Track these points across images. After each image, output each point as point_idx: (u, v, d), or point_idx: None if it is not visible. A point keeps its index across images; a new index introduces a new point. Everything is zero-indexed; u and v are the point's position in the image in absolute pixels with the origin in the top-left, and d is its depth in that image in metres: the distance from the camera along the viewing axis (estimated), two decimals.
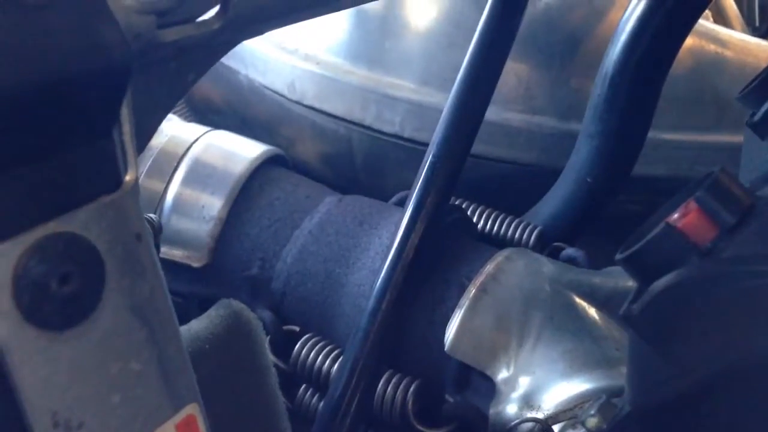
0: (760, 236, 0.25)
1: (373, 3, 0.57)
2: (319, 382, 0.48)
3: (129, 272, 0.24)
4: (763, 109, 0.45)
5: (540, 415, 0.40)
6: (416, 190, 0.47)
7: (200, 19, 0.28)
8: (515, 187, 0.68)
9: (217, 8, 0.28)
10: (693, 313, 0.25)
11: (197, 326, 0.31)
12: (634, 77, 0.53)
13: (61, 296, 0.22)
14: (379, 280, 0.47)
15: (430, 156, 0.49)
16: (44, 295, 0.21)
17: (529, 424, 0.40)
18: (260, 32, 0.33)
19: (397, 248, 0.47)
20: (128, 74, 0.22)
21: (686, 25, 0.52)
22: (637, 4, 0.52)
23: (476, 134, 0.51)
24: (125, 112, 0.24)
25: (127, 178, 0.24)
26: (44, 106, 0.21)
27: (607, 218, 0.63)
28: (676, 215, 0.27)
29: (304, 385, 0.50)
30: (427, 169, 0.48)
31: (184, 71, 0.30)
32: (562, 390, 0.41)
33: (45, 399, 0.22)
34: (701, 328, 0.25)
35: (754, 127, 0.45)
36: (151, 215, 0.39)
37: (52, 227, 0.22)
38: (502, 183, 0.68)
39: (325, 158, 0.74)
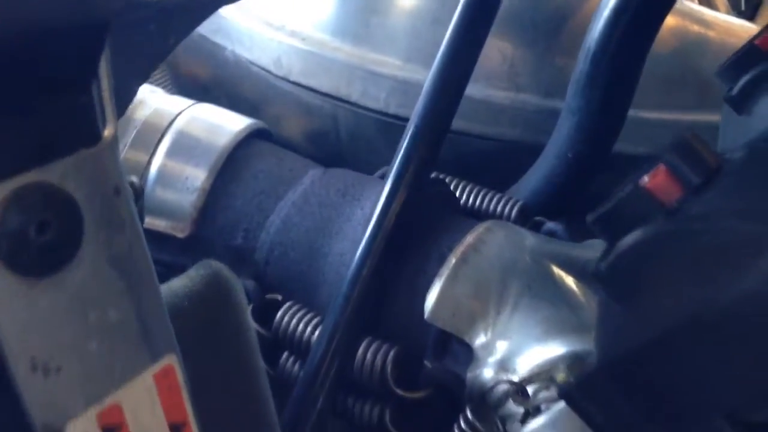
0: (723, 195, 0.25)
1: None
2: (301, 348, 0.49)
3: (107, 225, 0.25)
4: (740, 84, 0.45)
5: (515, 378, 0.41)
6: (398, 160, 0.48)
7: None
8: (499, 163, 0.69)
9: None
10: (658, 268, 0.26)
11: (177, 284, 0.32)
12: (616, 53, 0.54)
13: (39, 244, 0.22)
14: (360, 248, 0.47)
15: (412, 127, 0.49)
16: (22, 243, 0.22)
17: (504, 386, 0.41)
18: None
19: (378, 217, 0.47)
20: (107, 28, 0.23)
21: (667, 1, 0.53)
22: None
23: (457, 107, 0.51)
24: (104, 68, 0.24)
25: (106, 133, 0.25)
26: (22, 56, 0.21)
27: (589, 197, 0.64)
28: (645, 177, 0.28)
29: (286, 353, 0.50)
30: (409, 139, 0.49)
31: (164, 34, 0.30)
32: (537, 354, 0.42)
33: (24, 343, 0.23)
34: (665, 282, 0.26)
35: (731, 101, 0.46)
36: (133, 177, 0.39)
37: (30, 177, 0.22)
38: (486, 159, 0.69)
39: (310, 135, 0.75)
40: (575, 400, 0.29)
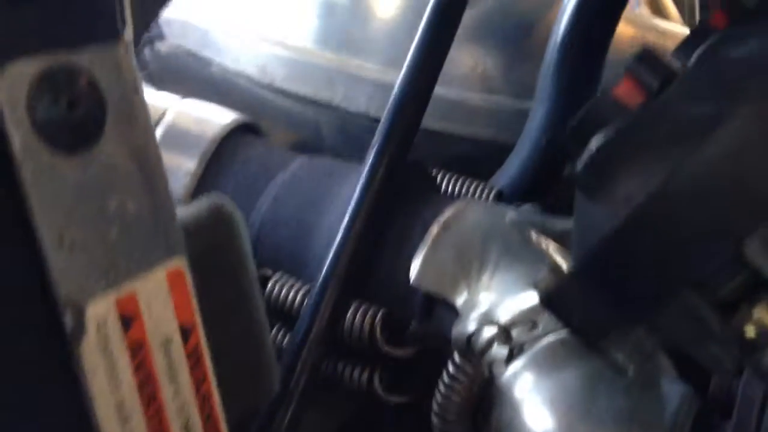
0: (679, 91, 0.29)
1: None
2: (292, 316, 0.50)
3: (127, 117, 0.27)
4: (693, 58, 0.50)
5: (499, 323, 0.43)
6: (380, 136, 0.51)
7: None
8: (475, 161, 0.72)
9: None
10: (623, 159, 0.29)
11: (181, 212, 0.34)
12: (582, 40, 0.58)
13: (69, 119, 0.25)
14: (346, 219, 0.50)
15: (392, 106, 0.52)
16: (55, 115, 0.24)
17: (489, 330, 0.43)
18: None
19: (361, 188, 0.50)
20: None
21: None
22: None
23: (432, 89, 0.55)
24: None
25: (125, 35, 0.27)
26: None
27: (559, 190, 0.67)
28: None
29: (277, 325, 0.52)
30: (390, 115, 0.52)
31: None
32: (518, 303, 0.44)
33: (53, 216, 0.25)
34: (631, 170, 0.28)
35: None
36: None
37: (62, 57, 0.25)
38: (461, 159, 0.72)
39: (295, 143, 0.77)
40: (553, 303, 0.32)
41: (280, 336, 0.52)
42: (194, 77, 0.81)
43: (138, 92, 0.27)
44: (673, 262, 0.28)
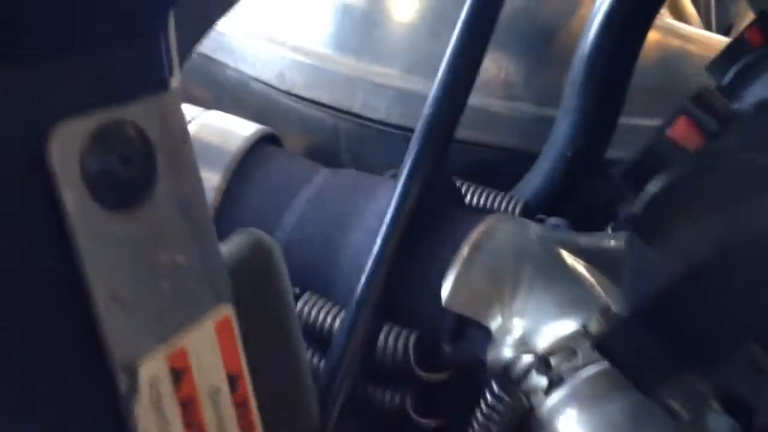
0: (740, 136, 0.28)
1: None
2: (322, 337, 0.50)
3: (176, 168, 0.26)
4: (729, 74, 0.49)
5: (536, 352, 0.43)
6: (412, 154, 0.50)
7: None
8: (497, 169, 0.71)
9: None
10: (684, 206, 0.28)
11: (222, 248, 0.33)
12: (610, 54, 0.57)
13: (122, 176, 0.24)
14: (378, 239, 0.49)
15: (424, 122, 0.51)
16: (107, 173, 0.23)
17: (527, 359, 0.42)
18: None
19: (394, 208, 0.49)
20: None
21: (654, 7, 0.57)
22: None
23: (465, 104, 0.54)
24: (171, 20, 0.26)
25: (174, 82, 0.26)
26: None
27: (580, 200, 0.66)
28: (666, 128, 0.30)
29: (308, 346, 0.51)
30: (422, 133, 0.51)
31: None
32: (555, 329, 0.44)
33: (105, 274, 0.24)
34: (692, 218, 0.28)
35: (722, 91, 0.49)
36: None
37: (114, 113, 0.24)
38: (484, 166, 0.72)
39: (312, 148, 0.77)
40: (608, 349, 0.31)
41: (308, 355, 0.51)
42: (210, 81, 0.80)
43: (186, 141, 0.27)
44: (735, 313, 0.27)
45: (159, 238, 0.26)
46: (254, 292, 0.34)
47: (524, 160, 0.70)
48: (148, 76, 0.25)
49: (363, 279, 0.47)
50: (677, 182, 0.28)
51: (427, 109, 0.53)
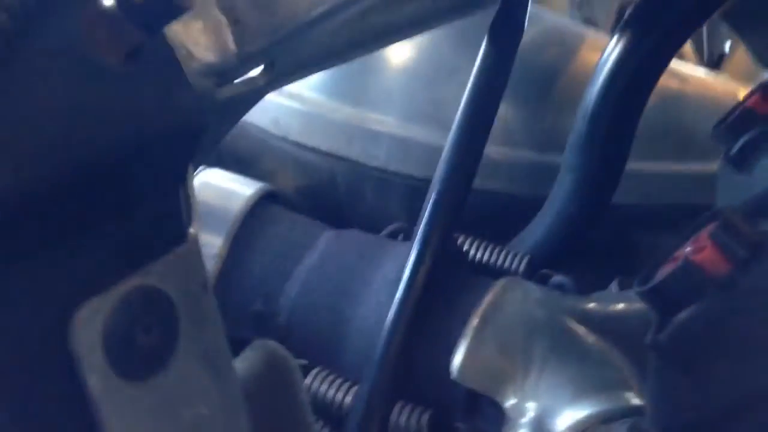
0: None
1: None
2: (332, 413, 0.49)
3: (198, 321, 0.25)
4: (739, 144, 0.48)
5: None
6: (422, 226, 0.49)
7: (248, 76, 0.29)
8: (497, 216, 0.71)
9: (262, 67, 0.30)
10: (717, 342, 0.27)
11: (237, 367, 0.32)
12: (613, 114, 0.57)
13: (145, 347, 0.23)
14: (391, 313, 0.48)
15: (434, 193, 0.51)
16: (131, 347, 0.23)
17: None
18: (294, 81, 0.35)
19: (406, 282, 0.48)
20: (202, 134, 0.24)
21: (660, 67, 0.56)
22: (614, 47, 0.56)
23: (476, 171, 0.53)
24: (190, 172, 0.25)
25: (191, 231, 0.26)
26: (128, 165, 0.22)
27: (582, 252, 0.66)
28: (690, 249, 0.30)
29: (318, 421, 0.51)
30: (432, 205, 0.50)
31: (222, 122, 0.31)
32: (571, 414, 0.43)
33: None
34: (727, 356, 0.27)
35: (731, 161, 0.48)
36: None
37: (134, 281, 0.23)
38: (483, 212, 0.71)
39: (309, 193, 0.76)
40: None
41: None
42: None
43: (207, 290, 0.26)
44: None
45: (182, 396, 0.25)
46: (272, 410, 0.34)
47: (524, 205, 0.69)
48: (168, 232, 0.24)
49: (375, 356, 0.47)
50: (706, 317, 0.28)
51: (439, 172, 0.52)
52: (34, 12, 0.19)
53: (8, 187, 0.19)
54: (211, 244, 0.56)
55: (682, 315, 0.28)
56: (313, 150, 0.71)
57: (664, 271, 0.30)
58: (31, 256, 0.20)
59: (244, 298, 0.54)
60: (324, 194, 0.75)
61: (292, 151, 0.73)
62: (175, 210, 0.25)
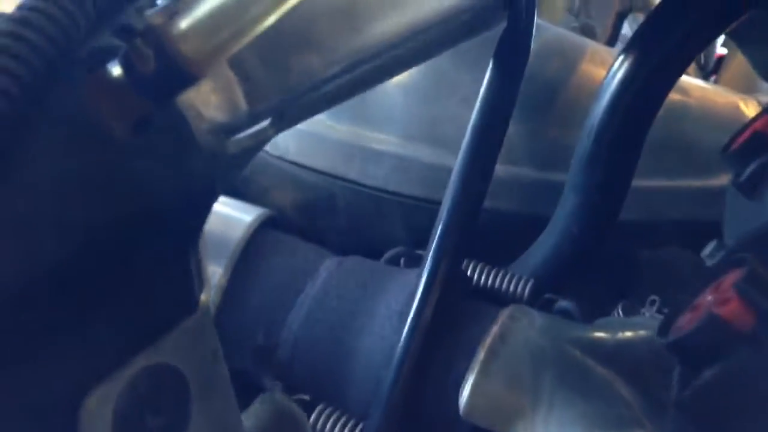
0: None
1: None
2: None
3: (209, 391, 0.24)
4: (749, 170, 0.48)
5: None
6: (431, 254, 0.48)
7: (257, 128, 0.28)
8: (497, 235, 0.70)
9: (270, 119, 0.29)
10: (745, 403, 0.27)
11: (246, 423, 0.31)
12: (618, 133, 0.56)
13: (154, 428, 0.22)
14: (399, 347, 0.47)
15: (442, 222, 0.50)
16: (142, 429, 0.21)
17: None
18: (300, 122, 0.34)
19: (414, 314, 0.47)
20: (215, 197, 0.23)
21: (667, 85, 0.55)
22: (620, 65, 0.55)
23: (485, 197, 0.52)
24: (201, 238, 0.24)
25: (203, 297, 0.24)
26: (137, 238, 0.21)
27: (586, 274, 0.65)
28: (712, 299, 0.29)
29: None
30: (440, 233, 0.49)
31: (230, 172, 0.30)
32: None
33: None
34: (748, 416, 0.26)
35: (740, 187, 0.48)
36: None
37: (142, 361, 0.22)
38: (485, 231, 0.70)
39: (307, 212, 0.74)
40: None
41: None
42: None
43: (218, 360, 0.25)
44: None
45: None
46: None
47: (525, 224, 0.68)
48: (179, 302, 0.23)
49: (382, 393, 0.46)
50: (733, 376, 0.27)
51: (447, 197, 0.51)
52: (35, 93, 0.18)
53: (13, 274, 0.18)
54: (212, 273, 0.54)
55: (707, 373, 0.27)
56: (312, 169, 0.70)
57: (686, 320, 0.29)
58: (39, 346, 0.19)
59: (245, 330, 0.53)
60: (323, 214, 0.73)
61: (290, 170, 0.72)
62: (186, 277, 0.24)
